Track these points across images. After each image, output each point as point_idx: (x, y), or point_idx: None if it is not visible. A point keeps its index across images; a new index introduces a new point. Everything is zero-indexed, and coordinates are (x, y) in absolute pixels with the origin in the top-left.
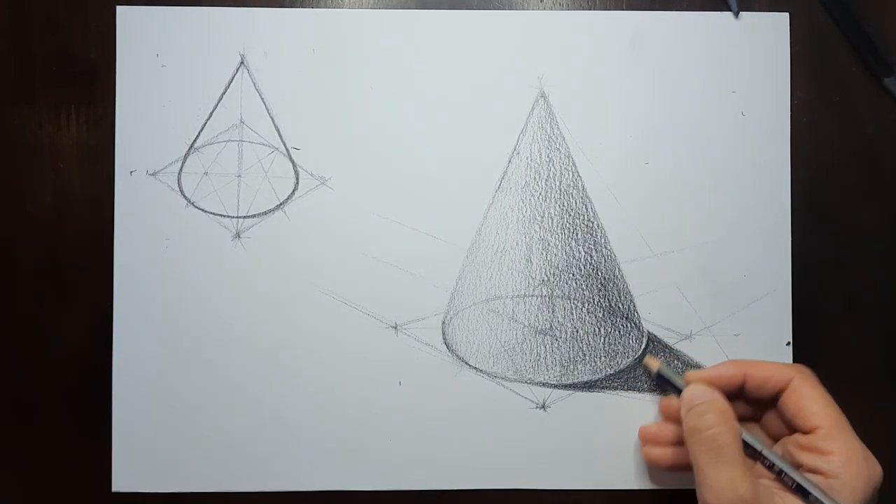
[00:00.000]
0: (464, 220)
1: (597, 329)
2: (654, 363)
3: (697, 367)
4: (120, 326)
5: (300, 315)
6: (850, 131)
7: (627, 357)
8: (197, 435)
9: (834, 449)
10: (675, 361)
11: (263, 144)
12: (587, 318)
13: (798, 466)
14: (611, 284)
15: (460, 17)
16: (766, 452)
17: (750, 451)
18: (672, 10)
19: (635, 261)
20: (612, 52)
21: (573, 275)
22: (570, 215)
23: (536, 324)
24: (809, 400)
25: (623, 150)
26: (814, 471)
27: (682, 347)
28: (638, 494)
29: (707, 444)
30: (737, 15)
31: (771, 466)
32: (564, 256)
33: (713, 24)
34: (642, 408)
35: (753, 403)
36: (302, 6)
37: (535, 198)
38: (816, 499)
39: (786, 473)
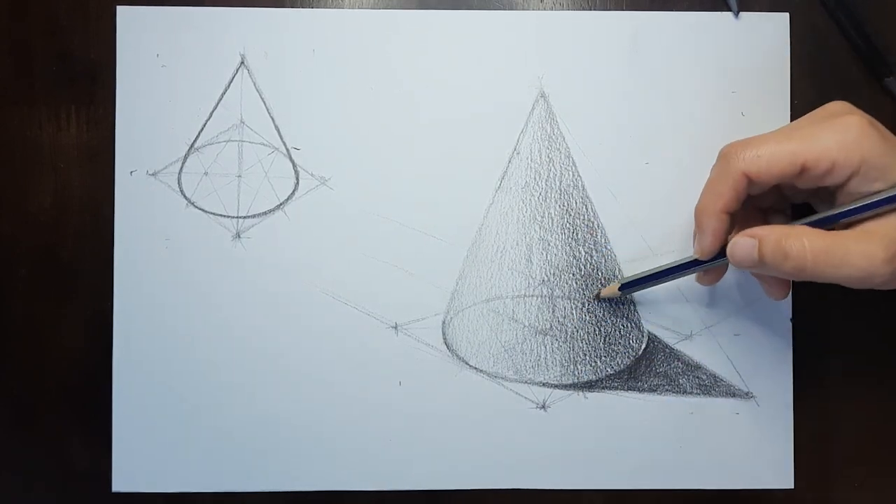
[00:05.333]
0: (464, 220)
1: (597, 329)
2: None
3: (697, 366)
4: (120, 327)
5: (300, 315)
6: None
7: (627, 357)
8: (197, 435)
9: None
10: (676, 361)
11: (263, 144)
12: (587, 318)
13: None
14: (611, 284)
15: (460, 17)
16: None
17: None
18: (672, 10)
19: (635, 261)
20: (612, 52)
21: (573, 275)
22: (570, 215)
23: (536, 324)
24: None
25: (623, 150)
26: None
27: (682, 347)
28: (638, 494)
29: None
30: (737, 15)
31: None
32: (564, 256)
33: (713, 24)
34: (642, 408)
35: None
36: (302, 6)
37: (536, 198)
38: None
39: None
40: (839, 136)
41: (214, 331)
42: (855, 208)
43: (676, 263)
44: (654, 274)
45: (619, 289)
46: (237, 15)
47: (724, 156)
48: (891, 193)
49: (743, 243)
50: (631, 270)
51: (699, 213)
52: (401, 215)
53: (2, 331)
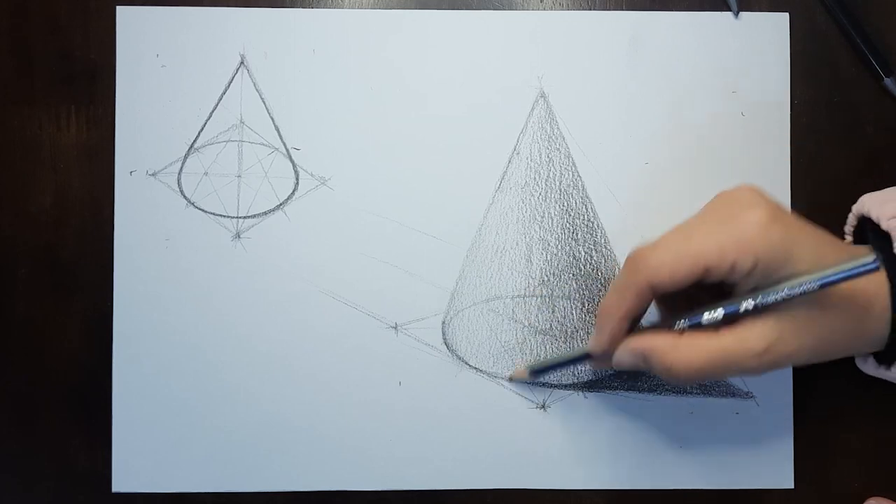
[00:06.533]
0: (464, 220)
1: None
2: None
3: None
4: (120, 326)
5: (300, 315)
6: (850, 131)
7: None
8: (197, 435)
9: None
10: None
11: (263, 144)
12: (587, 318)
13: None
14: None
15: (460, 17)
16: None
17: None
18: (672, 10)
19: None
20: (612, 52)
21: (573, 275)
22: (570, 215)
23: (536, 324)
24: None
25: (623, 150)
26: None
27: None
28: (638, 494)
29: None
30: (737, 15)
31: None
32: (564, 256)
33: (713, 24)
34: (642, 408)
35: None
36: (302, 6)
37: (535, 198)
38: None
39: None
40: (736, 235)
41: (214, 331)
42: (726, 311)
43: (571, 356)
44: (557, 363)
45: (530, 372)
46: (237, 15)
47: (630, 262)
48: (753, 299)
49: (627, 358)
50: None
51: (600, 313)
52: (401, 215)
53: (2, 331)
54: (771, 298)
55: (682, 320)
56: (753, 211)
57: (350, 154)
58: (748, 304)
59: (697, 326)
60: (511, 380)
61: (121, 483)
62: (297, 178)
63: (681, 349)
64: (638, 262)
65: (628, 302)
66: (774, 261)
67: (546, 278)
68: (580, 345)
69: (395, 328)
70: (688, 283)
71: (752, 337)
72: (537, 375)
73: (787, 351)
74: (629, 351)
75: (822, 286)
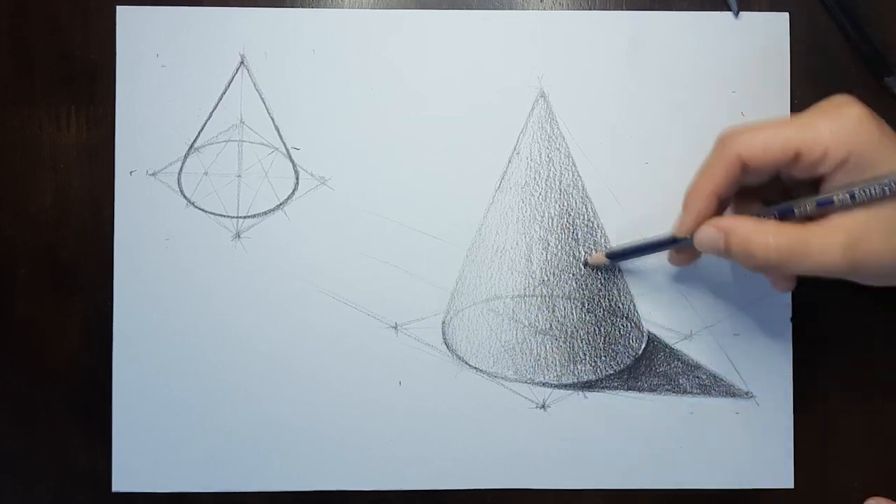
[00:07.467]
0: (464, 220)
1: (597, 329)
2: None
3: (697, 366)
4: (120, 326)
5: (300, 315)
6: None
7: (627, 357)
8: (197, 435)
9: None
10: (676, 361)
11: (263, 144)
12: (587, 318)
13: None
14: (611, 284)
15: (460, 17)
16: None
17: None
18: (672, 10)
19: (635, 261)
20: (612, 52)
21: (573, 275)
22: (570, 215)
23: (536, 324)
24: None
25: (623, 150)
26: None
27: (682, 347)
28: (638, 494)
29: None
30: (737, 15)
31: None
32: (564, 256)
33: (713, 24)
34: (642, 407)
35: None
36: (302, 6)
37: (535, 197)
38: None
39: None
40: (834, 125)
41: (214, 331)
42: (819, 200)
43: (656, 239)
44: (638, 247)
45: (607, 256)
46: (237, 15)
47: (722, 139)
48: (848, 190)
49: (709, 234)
50: (630, 270)
51: (688, 193)
52: (401, 215)
53: (2, 331)
54: (868, 191)
55: (772, 210)
56: (853, 107)
57: (350, 154)
58: (843, 195)
59: (786, 218)
60: (586, 265)
61: (121, 483)
62: (297, 178)
63: (764, 231)
64: (730, 138)
65: (717, 178)
66: (867, 156)
67: (546, 278)
68: (580, 344)
69: (395, 328)
70: (777, 166)
71: (840, 228)
72: (615, 259)
73: (874, 248)
74: (713, 227)
75: None
